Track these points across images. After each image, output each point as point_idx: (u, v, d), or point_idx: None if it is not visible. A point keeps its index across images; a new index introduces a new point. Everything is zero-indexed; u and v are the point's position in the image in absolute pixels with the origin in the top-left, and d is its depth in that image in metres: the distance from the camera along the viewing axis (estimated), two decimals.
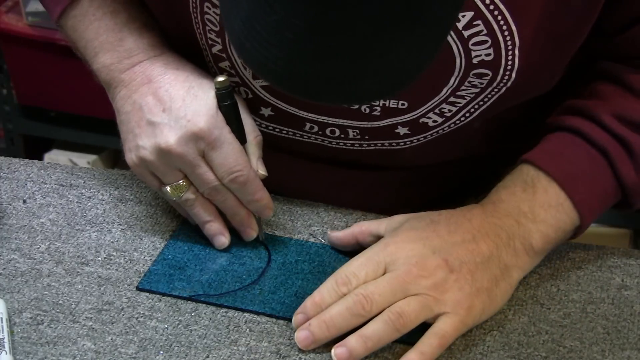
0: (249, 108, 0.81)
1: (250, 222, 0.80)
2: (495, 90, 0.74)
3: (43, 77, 2.02)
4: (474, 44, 0.69)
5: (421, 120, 0.76)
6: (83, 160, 2.13)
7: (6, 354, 0.68)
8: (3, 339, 0.70)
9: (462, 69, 0.71)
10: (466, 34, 0.68)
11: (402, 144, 0.80)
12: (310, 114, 0.79)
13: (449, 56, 0.70)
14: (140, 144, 0.76)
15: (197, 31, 0.77)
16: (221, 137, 0.75)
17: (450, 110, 0.75)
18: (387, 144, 0.80)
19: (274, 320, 0.74)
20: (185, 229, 0.84)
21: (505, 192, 0.75)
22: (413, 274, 0.70)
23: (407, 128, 0.77)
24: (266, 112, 0.81)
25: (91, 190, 0.89)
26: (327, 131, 0.81)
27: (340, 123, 0.79)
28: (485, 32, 0.68)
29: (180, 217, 0.85)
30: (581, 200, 0.74)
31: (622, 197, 0.77)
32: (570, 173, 0.74)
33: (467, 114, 0.76)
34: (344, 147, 0.82)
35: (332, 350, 0.69)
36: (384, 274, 0.72)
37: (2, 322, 0.71)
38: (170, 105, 0.76)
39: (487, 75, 0.72)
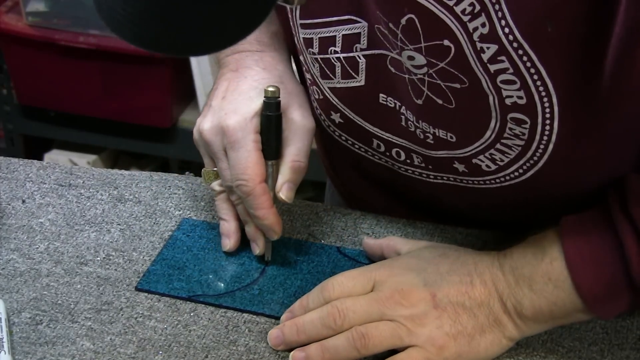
0: (322, 110, 0.81)
1: (257, 236, 0.79)
2: (542, 147, 0.70)
3: (43, 77, 2.02)
4: (503, 82, 0.66)
5: (474, 160, 0.75)
6: (83, 160, 2.13)
7: (5, 354, 0.68)
8: (2, 339, 0.70)
9: (498, 110, 0.69)
10: (492, 68, 0.66)
11: (465, 181, 0.78)
12: (374, 128, 0.79)
13: (480, 91, 0.68)
14: (198, 120, 0.80)
15: (290, 17, 0.78)
16: (242, 141, 0.75)
17: (501, 160, 0.73)
18: (452, 179, 0.79)
19: (273, 320, 0.74)
20: (184, 229, 0.84)
21: (519, 249, 0.72)
22: (394, 299, 0.70)
23: (464, 166, 0.76)
24: (336, 118, 0.81)
25: (90, 190, 0.89)
26: (394, 152, 0.80)
27: (403, 144, 0.78)
28: (511, 70, 0.65)
29: (179, 217, 0.85)
30: (583, 284, 0.68)
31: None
32: (582, 253, 0.69)
33: (521, 170, 0.73)
34: (412, 175, 0.81)
35: (291, 353, 0.70)
36: (371, 291, 0.72)
37: (1, 322, 0.71)
38: (228, 96, 0.78)
39: (526, 122, 0.68)
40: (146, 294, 0.76)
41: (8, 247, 0.81)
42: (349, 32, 0.73)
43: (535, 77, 0.65)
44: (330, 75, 0.77)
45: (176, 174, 0.92)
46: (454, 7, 0.64)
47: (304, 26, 0.76)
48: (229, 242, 0.80)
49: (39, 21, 1.94)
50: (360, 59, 0.74)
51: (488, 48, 0.65)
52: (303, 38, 0.76)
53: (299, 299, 0.73)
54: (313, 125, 0.79)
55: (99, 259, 0.80)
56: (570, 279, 0.68)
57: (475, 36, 0.64)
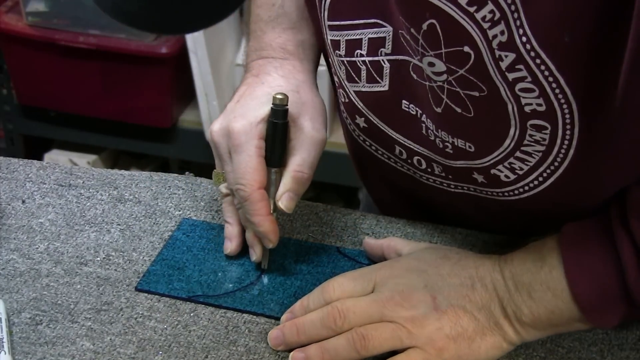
0: (347, 113, 0.82)
1: (255, 243, 0.79)
2: (563, 151, 0.69)
3: (43, 77, 2.02)
4: (521, 90, 0.66)
5: (492, 171, 0.74)
6: (83, 160, 2.13)
7: (5, 354, 0.68)
8: (2, 339, 0.70)
9: (517, 118, 0.68)
10: (510, 76, 0.65)
11: (485, 192, 0.77)
12: (397, 135, 0.79)
13: (499, 99, 0.68)
14: (214, 121, 0.80)
15: (320, 18, 0.78)
16: (244, 145, 0.75)
17: (521, 168, 0.72)
18: (472, 189, 0.78)
19: (273, 321, 0.74)
20: (184, 229, 0.84)
21: (520, 256, 0.72)
22: (394, 301, 0.70)
23: (483, 177, 0.75)
24: (361, 122, 0.81)
25: (90, 190, 0.89)
26: (415, 160, 0.80)
27: (424, 153, 0.78)
28: (529, 79, 0.65)
29: (179, 217, 0.85)
30: (581, 294, 0.68)
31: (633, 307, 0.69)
32: (580, 262, 0.68)
33: (541, 178, 0.72)
34: (433, 184, 0.81)
35: (291, 354, 0.70)
36: (372, 293, 0.72)
37: (1, 322, 0.71)
38: (241, 100, 0.79)
39: (547, 128, 0.68)
40: (146, 294, 0.76)
41: (8, 247, 0.81)
42: (375, 35, 0.73)
43: (554, 85, 0.64)
44: (356, 78, 0.77)
45: (176, 174, 0.92)
46: (475, 14, 0.64)
47: (331, 27, 0.76)
48: (231, 245, 0.80)
49: (39, 21, 1.94)
50: (384, 63, 0.74)
51: (506, 56, 0.64)
52: (331, 40, 0.77)
53: (299, 300, 0.73)
54: (322, 138, 0.78)
55: (98, 259, 0.80)
56: (568, 289, 0.68)
57: (494, 44, 0.64)
